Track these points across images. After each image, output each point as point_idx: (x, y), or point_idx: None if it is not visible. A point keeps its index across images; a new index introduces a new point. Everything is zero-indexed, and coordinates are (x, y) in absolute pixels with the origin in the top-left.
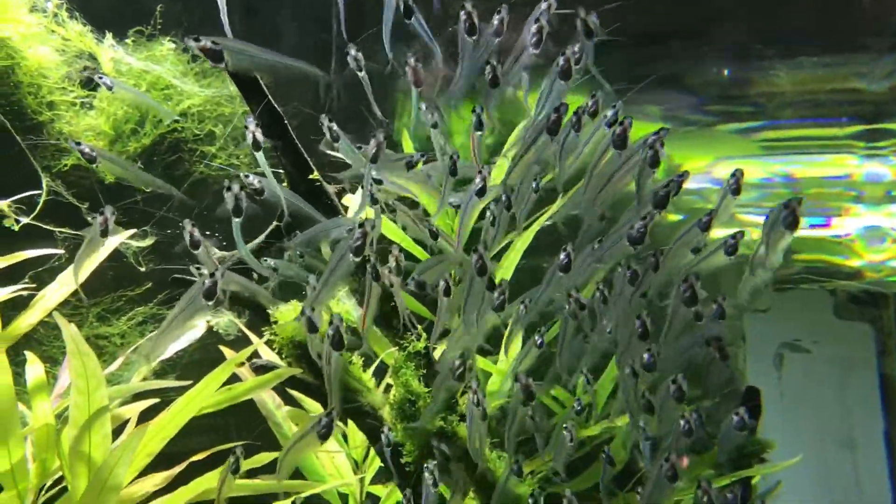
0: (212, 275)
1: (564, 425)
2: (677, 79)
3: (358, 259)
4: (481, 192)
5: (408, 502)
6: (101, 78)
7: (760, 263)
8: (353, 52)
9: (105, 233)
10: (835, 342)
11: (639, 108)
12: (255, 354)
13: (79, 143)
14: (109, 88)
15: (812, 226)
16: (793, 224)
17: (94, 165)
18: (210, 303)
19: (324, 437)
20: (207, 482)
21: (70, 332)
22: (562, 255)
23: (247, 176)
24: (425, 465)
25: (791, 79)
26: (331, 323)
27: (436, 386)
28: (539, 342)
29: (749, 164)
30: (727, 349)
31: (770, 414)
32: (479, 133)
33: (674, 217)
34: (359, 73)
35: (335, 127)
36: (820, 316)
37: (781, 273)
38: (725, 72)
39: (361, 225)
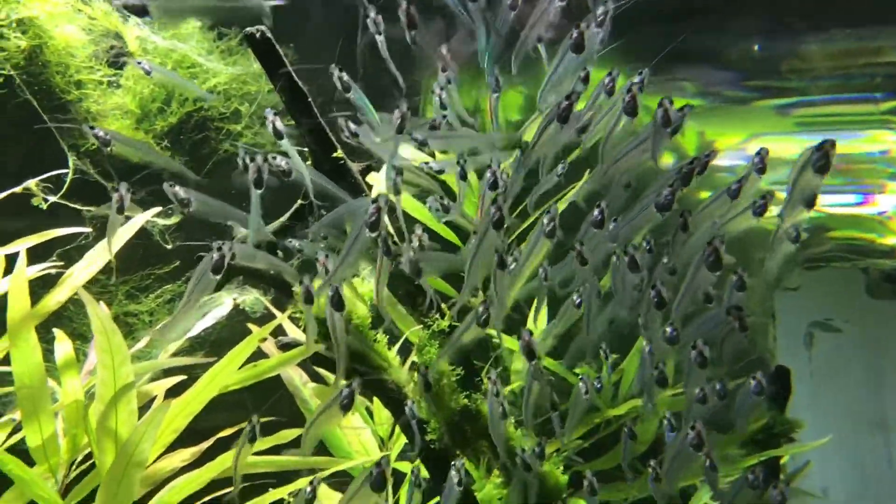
0: (219, 248)
1: (580, 376)
2: (714, 54)
3: (374, 234)
4: (494, 186)
5: (415, 477)
6: (139, 63)
7: (785, 233)
8: (372, 14)
9: (121, 209)
10: (867, 322)
11: (675, 84)
12: (282, 332)
13: (93, 127)
14: (148, 73)
15: (847, 203)
16: (824, 168)
17: (109, 149)
18: (217, 276)
19: (346, 407)
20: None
21: (95, 308)
22: (595, 212)
23: (274, 157)
24: (452, 464)
25: (826, 53)
26: (330, 285)
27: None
28: (578, 302)
29: (784, 141)
30: (746, 320)
31: (800, 394)
32: (496, 95)
33: (705, 194)
34: (377, 37)
35: (346, 77)
36: (852, 295)
37: (815, 251)
38: (756, 47)
39: (375, 200)
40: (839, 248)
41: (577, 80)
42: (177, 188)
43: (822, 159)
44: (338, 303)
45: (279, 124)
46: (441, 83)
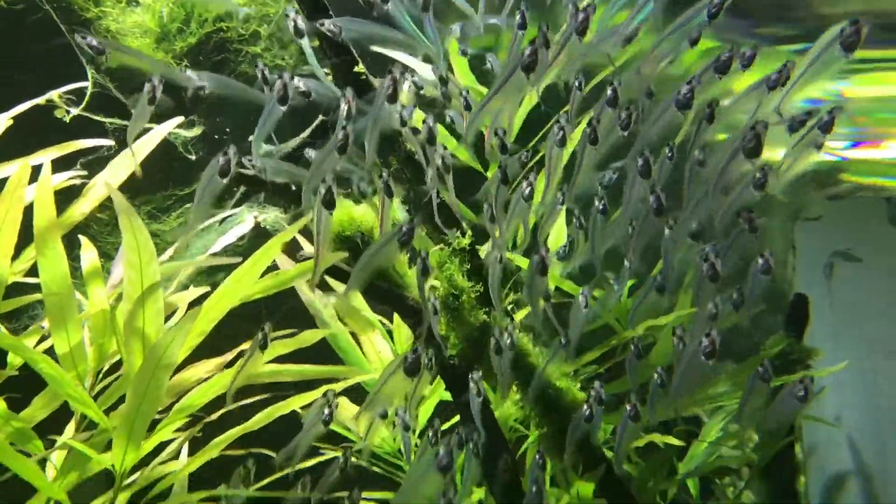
0: (225, 153)
1: (581, 291)
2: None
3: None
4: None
5: (429, 361)
6: None
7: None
8: None
9: (153, 100)
10: (889, 251)
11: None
12: (301, 248)
13: (84, 37)
14: None
15: (859, 144)
16: (852, 46)
17: (104, 57)
18: (225, 180)
19: (404, 244)
20: (253, 366)
21: (121, 200)
22: (609, 91)
23: (292, 79)
24: (470, 376)
25: None
26: (325, 183)
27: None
28: (602, 208)
29: (801, 85)
30: (757, 222)
31: (819, 324)
32: (522, 32)
33: (722, 136)
34: None
35: None
36: (874, 224)
37: (833, 191)
38: None
39: (390, 73)
40: (858, 188)
41: None
42: (189, 72)
43: (853, 35)
44: (329, 202)
45: (301, 23)
46: None
